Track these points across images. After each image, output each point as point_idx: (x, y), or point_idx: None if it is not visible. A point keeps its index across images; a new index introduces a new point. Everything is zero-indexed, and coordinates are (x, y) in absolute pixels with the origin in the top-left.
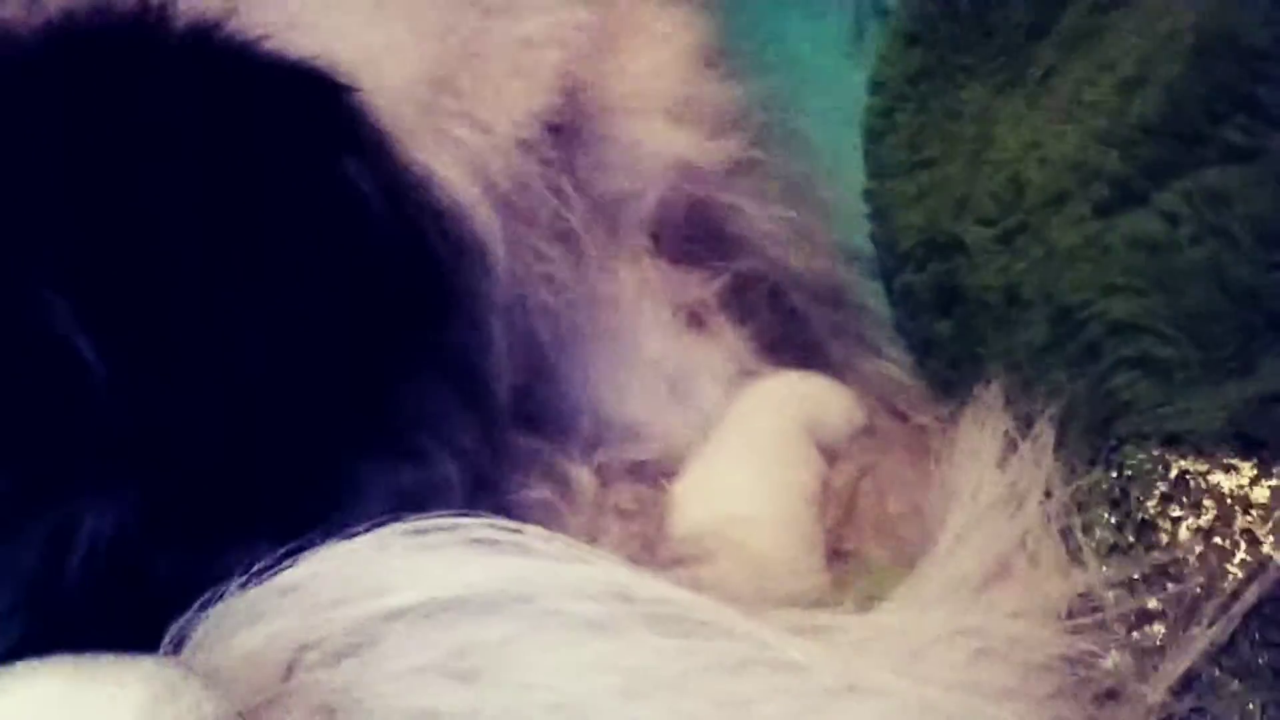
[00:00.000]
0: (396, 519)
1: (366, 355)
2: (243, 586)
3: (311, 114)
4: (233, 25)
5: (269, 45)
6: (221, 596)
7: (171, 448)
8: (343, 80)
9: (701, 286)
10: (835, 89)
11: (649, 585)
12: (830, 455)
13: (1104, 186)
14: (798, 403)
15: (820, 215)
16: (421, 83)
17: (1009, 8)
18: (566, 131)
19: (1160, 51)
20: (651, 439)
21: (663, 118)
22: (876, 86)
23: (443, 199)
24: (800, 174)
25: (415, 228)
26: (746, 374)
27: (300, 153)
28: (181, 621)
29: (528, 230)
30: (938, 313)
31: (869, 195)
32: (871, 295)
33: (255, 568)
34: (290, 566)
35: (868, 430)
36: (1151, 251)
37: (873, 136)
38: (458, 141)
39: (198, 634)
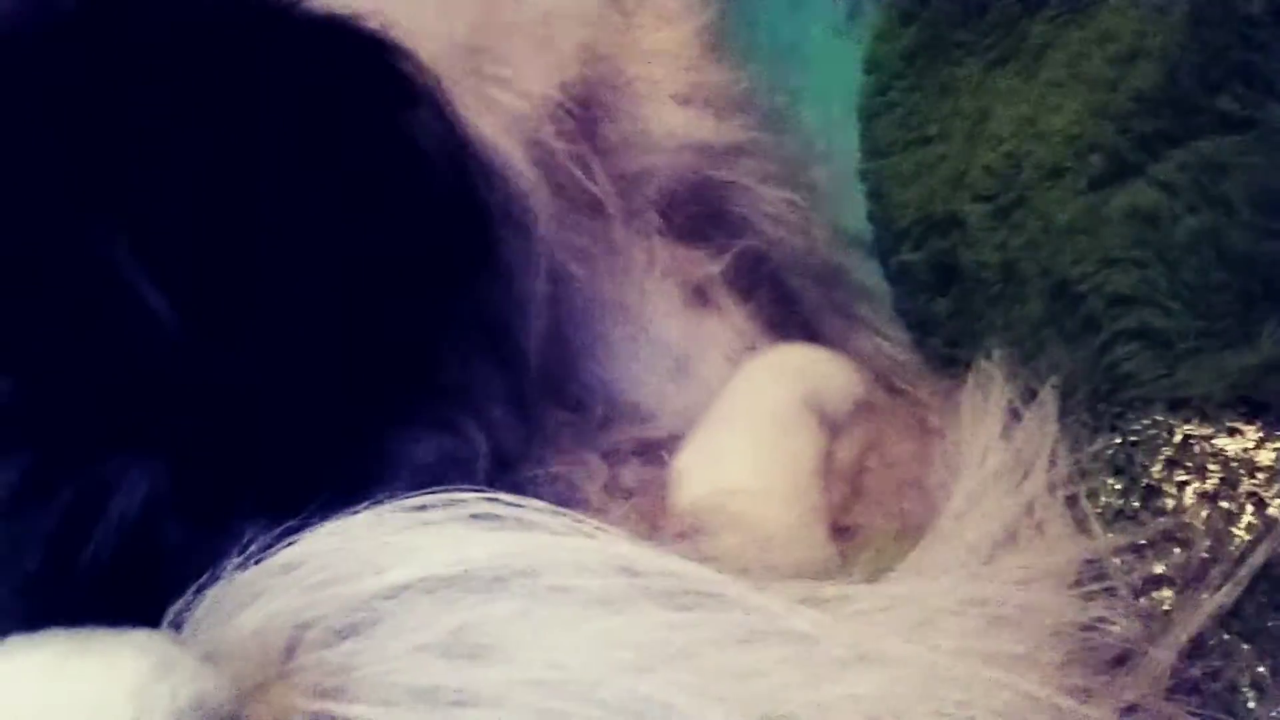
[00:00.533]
0: (405, 494)
1: (412, 315)
2: (241, 566)
3: (372, 67)
4: None
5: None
6: (219, 576)
7: (214, 410)
8: (395, 38)
9: (706, 264)
10: (830, 68)
11: (654, 559)
12: (832, 428)
13: (1100, 159)
14: (798, 375)
15: (817, 195)
16: (459, 47)
17: None
18: (585, 107)
19: (1155, 23)
20: (657, 417)
21: (672, 99)
22: (871, 65)
23: (491, 159)
24: (797, 154)
25: (470, 184)
26: (750, 351)
27: (364, 105)
28: (180, 601)
29: (557, 199)
30: (935, 290)
31: (865, 174)
32: (869, 274)
33: (253, 546)
34: (289, 545)
35: (868, 405)
36: (1149, 223)
37: (868, 115)
38: (496, 106)
39: (197, 613)
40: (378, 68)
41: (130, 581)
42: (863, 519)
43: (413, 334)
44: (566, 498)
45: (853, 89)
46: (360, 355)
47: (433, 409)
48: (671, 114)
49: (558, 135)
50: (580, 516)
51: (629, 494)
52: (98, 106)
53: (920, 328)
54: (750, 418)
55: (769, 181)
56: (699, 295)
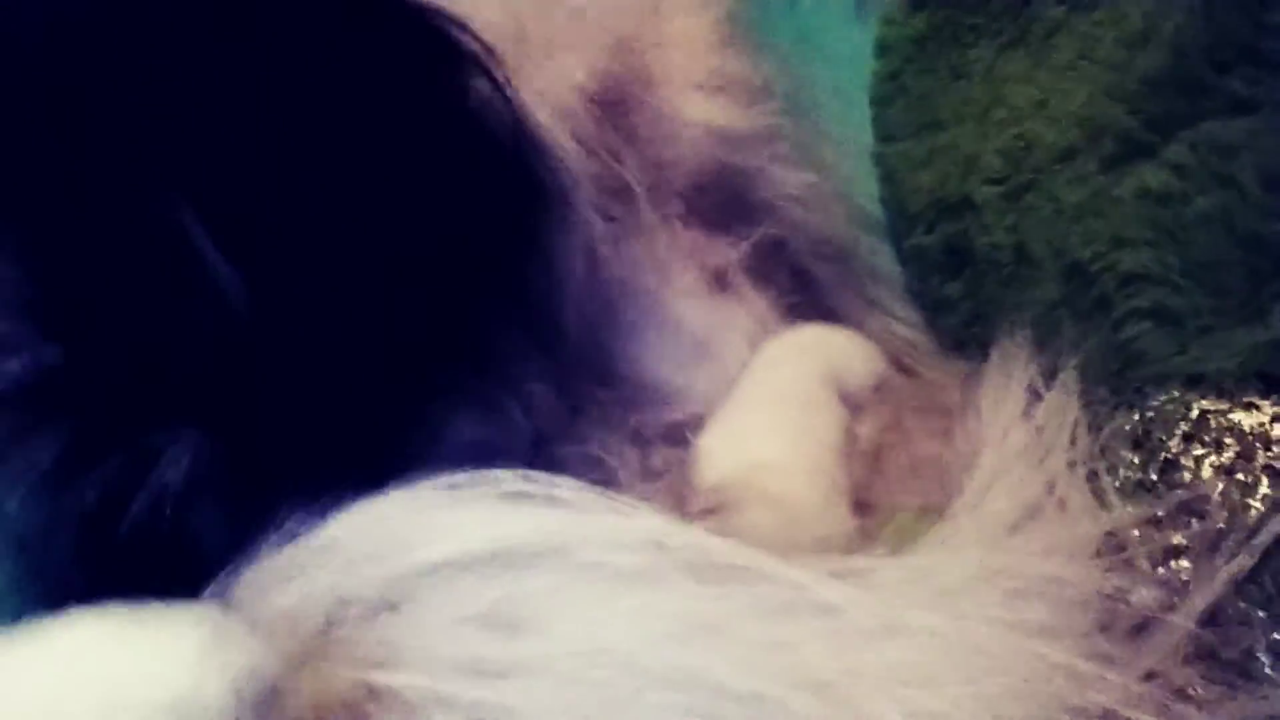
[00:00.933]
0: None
1: (458, 289)
2: (278, 543)
3: (432, 37)
4: None
5: None
6: (257, 553)
7: (261, 383)
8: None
9: (727, 250)
10: (842, 52)
11: (685, 534)
12: (852, 406)
13: (1111, 141)
14: (819, 352)
15: (833, 178)
16: (504, 31)
17: None
18: (614, 96)
19: (1165, 5)
20: (681, 401)
21: (695, 87)
22: (882, 50)
23: (543, 137)
24: (814, 139)
25: (527, 159)
26: (770, 334)
27: (424, 74)
28: (219, 578)
29: (593, 183)
30: (949, 273)
31: (878, 158)
32: (882, 257)
33: (289, 523)
34: (325, 523)
35: (886, 385)
36: (1160, 203)
37: (880, 100)
38: (539, 90)
39: (236, 590)
40: (438, 38)
41: (168, 556)
42: (884, 496)
43: (457, 309)
44: (597, 476)
45: (865, 73)
46: (405, 329)
47: (474, 386)
48: (695, 102)
49: (590, 122)
50: (612, 494)
51: (656, 474)
52: (161, 76)
53: (933, 309)
54: (772, 396)
55: (788, 166)
56: (720, 280)
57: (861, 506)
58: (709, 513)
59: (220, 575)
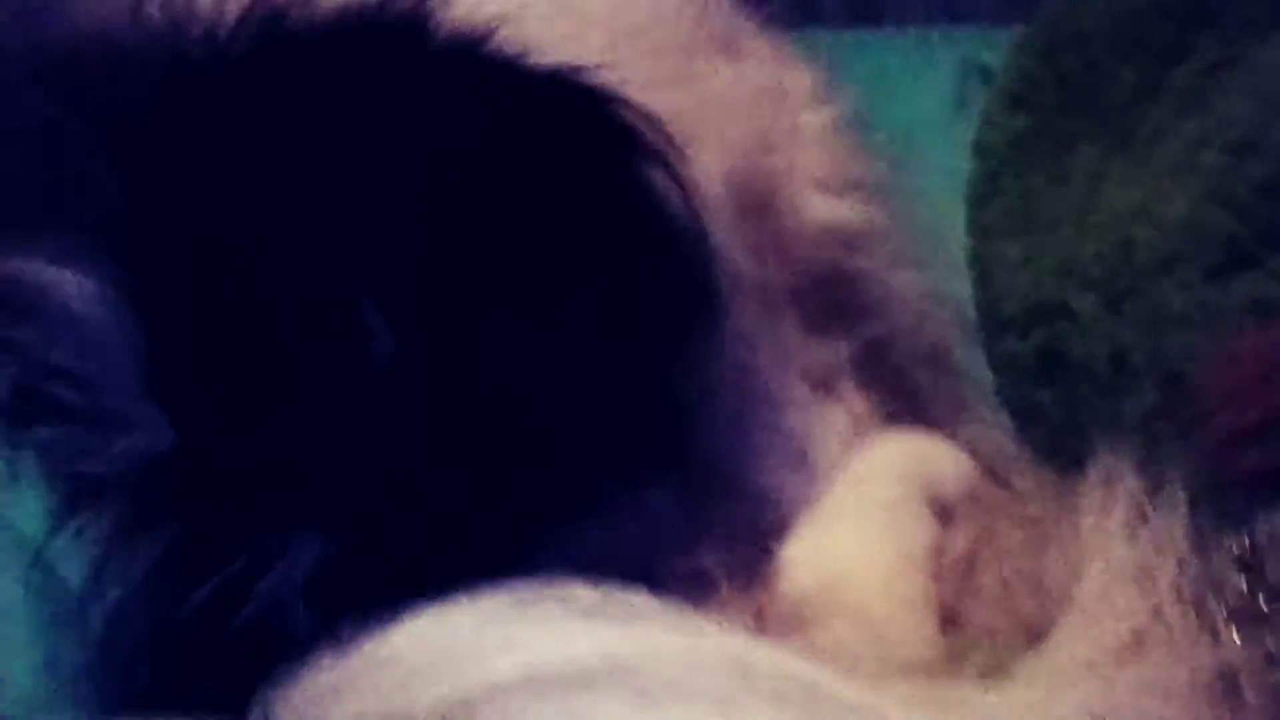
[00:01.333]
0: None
1: (605, 391)
2: (334, 652)
3: (605, 121)
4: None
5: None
6: (312, 660)
7: (398, 483)
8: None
9: (832, 353)
10: (939, 151)
11: (767, 656)
12: (944, 516)
13: (1216, 249)
14: (909, 462)
15: (926, 279)
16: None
17: (1116, 69)
18: (746, 194)
19: (1271, 113)
20: (772, 506)
21: (817, 185)
22: (981, 150)
23: (711, 234)
24: (908, 238)
25: (705, 250)
26: (865, 439)
27: (598, 158)
28: (271, 685)
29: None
30: (1041, 380)
31: (972, 260)
32: (974, 361)
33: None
34: (383, 633)
35: (979, 497)
36: (1266, 315)
37: (976, 200)
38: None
39: (288, 701)
40: (611, 122)
41: (257, 657)
42: (975, 613)
43: (601, 411)
44: (688, 586)
45: (962, 172)
46: (548, 429)
47: (601, 491)
48: (816, 200)
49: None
50: (691, 609)
51: (741, 583)
52: (335, 163)
53: (1024, 417)
54: (860, 506)
55: (895, 266)
56: (822, 383)
57: (951, 624)
58: (790, 626)
59: (274, 681)
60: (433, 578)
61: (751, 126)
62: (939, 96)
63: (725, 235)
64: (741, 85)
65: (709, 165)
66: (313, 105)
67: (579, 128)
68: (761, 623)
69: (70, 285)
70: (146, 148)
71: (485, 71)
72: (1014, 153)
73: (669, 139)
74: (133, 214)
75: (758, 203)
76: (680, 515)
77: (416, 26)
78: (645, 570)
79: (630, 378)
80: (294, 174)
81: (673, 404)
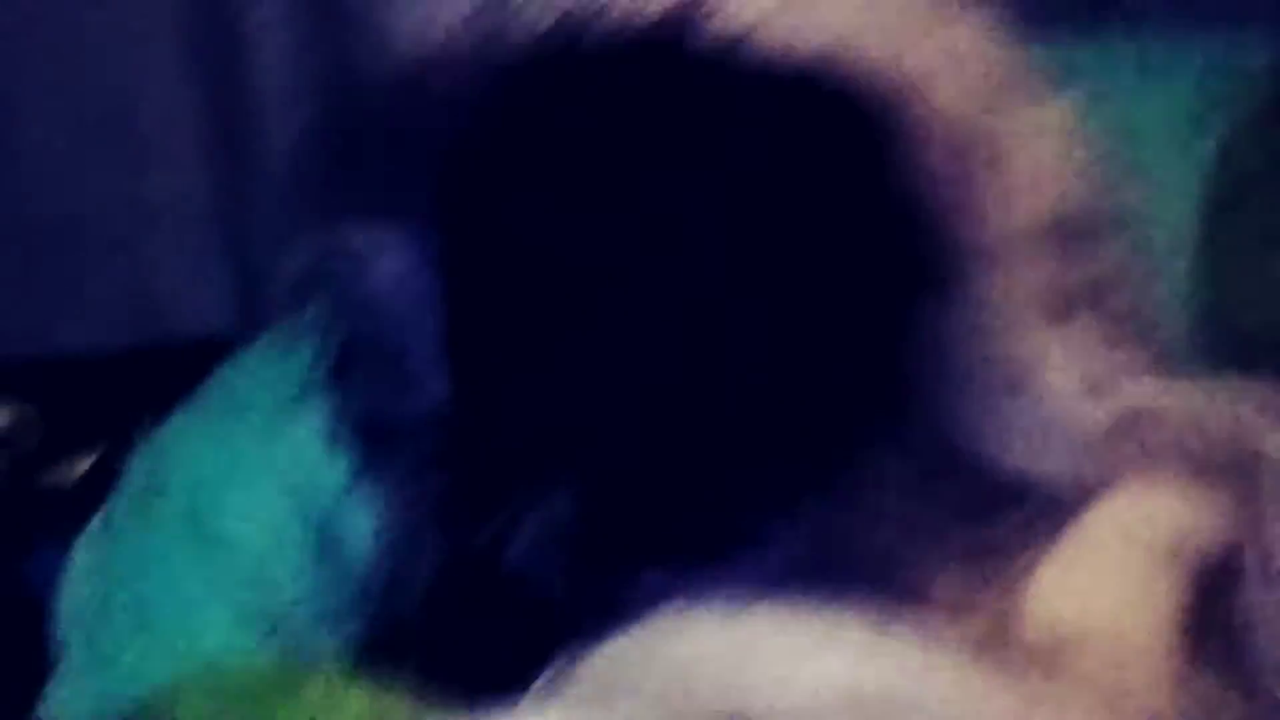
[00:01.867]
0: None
1: (844, 365)
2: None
3: (845, 113)
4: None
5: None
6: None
7: (652, 446)
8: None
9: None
10: (1179, 162)
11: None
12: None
13: None
14: (1166, 516)
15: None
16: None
17: None
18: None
19: None
20: (1028, 499)
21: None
22: (1229, 159)
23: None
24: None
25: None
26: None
27: (843, 152)
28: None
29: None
30: None
31: (1206, 280)
32: None
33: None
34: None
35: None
36: None
37: (1218, 209)
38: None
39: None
40: (853, 111)
41: (513, 609)
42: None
43: (839, 387)
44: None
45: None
46: (782, 404)
47: (830, 468)
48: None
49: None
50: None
51: (980, 583)
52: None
53: None
54: (1116, 554)
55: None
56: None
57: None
58: (1035, 652)
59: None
60: (677, 545)
61: (982, 81)
62: (1182, 100)
63: (956, 195)
64: (975, 41)
65: (944, 114)
66: (608, 107)
67: (824, 123)
68: (1004, 635)
69: (394, 251)
70: (470, 138)
71: (737, 76)
72: (1266, 169)
73: (907, 103)
74: (453, 192)
75: (989, 155)
76: (914, 492)
77: (681, 34)
78: (884, 558)
79: (863, 349)
80: (595, 167)
81: (905, 376)
